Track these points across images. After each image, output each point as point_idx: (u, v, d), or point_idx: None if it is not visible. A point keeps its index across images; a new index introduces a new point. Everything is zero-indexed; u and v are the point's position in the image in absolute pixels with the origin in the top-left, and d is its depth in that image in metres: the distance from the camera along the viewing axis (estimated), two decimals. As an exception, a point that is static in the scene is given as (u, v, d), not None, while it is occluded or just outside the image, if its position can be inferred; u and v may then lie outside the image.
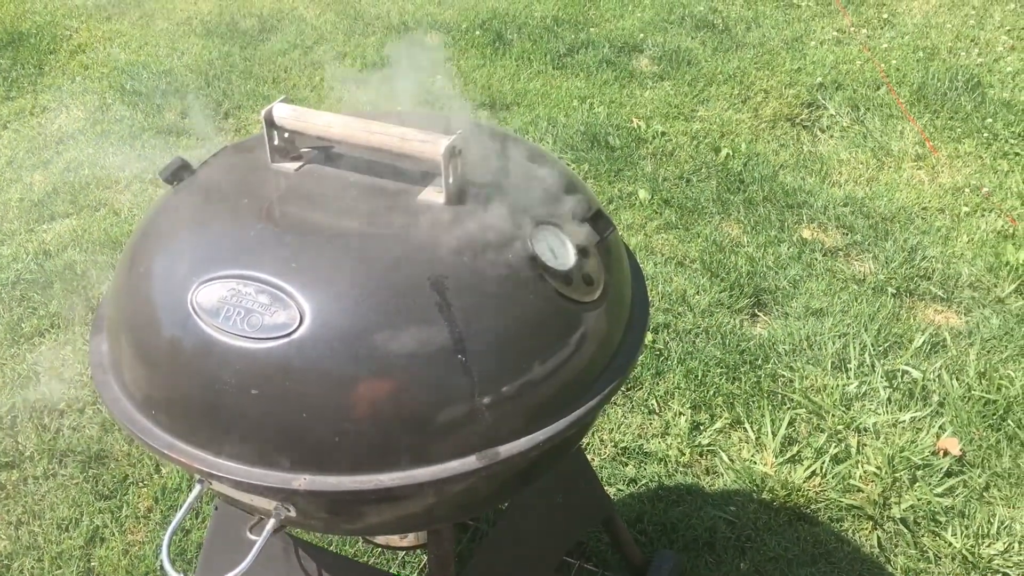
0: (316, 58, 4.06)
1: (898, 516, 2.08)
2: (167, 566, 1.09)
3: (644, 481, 2.16)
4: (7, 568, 1.94)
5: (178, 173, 1.28)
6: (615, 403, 2.35)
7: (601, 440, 2.25)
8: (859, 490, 2.16)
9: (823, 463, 2.21)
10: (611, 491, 2.14)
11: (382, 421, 1.06)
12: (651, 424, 2.31)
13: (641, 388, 2.40)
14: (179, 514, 1.12)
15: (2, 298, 2.69)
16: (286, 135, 1.26)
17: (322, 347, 1.05)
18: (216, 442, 1.09)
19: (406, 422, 1.06)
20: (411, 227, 1.15)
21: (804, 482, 2.17)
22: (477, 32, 4.28)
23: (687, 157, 3.44)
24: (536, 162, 1.31)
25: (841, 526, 2.08)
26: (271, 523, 1.12)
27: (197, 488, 1.14)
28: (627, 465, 2.20)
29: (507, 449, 1.10)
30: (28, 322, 2.61)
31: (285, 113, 1.24)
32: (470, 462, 1.09)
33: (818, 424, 2.32)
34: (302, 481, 1.06)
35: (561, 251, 1.18)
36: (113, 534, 2.01)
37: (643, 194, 3.18)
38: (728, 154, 3.46)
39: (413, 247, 1.12)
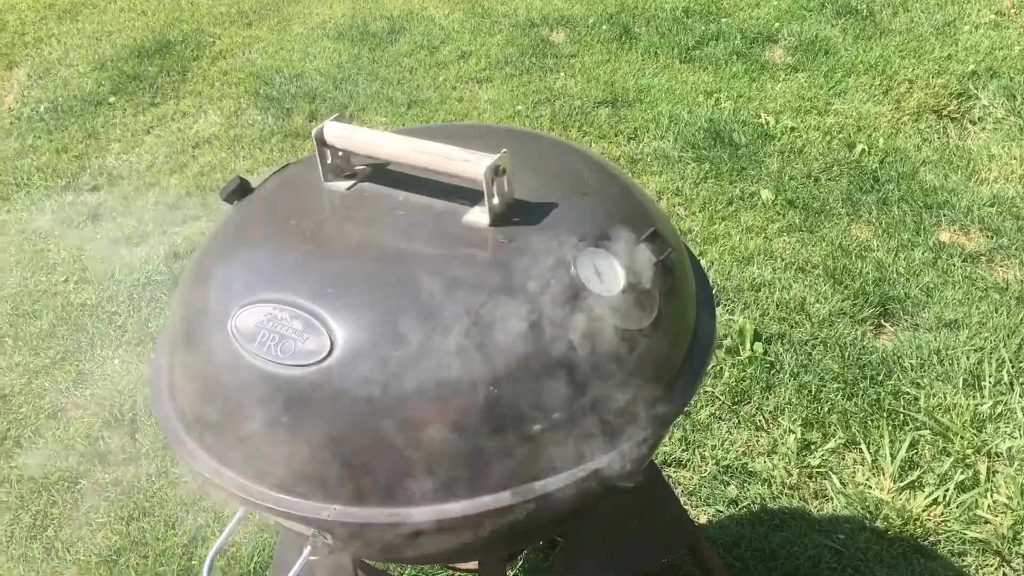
0: (441, 58, 4.08)
1: (1029, 554, 1.90)
2: (206, 585, 1.10)
3: (746, 503, 2.05)
4: (114, 563, 2.04)
5: (237, 192, 1.29)
6: (720, 418, 2.24)
7: (702, 457, 2.16)
8: (986, 522, 1.98)
9: (947, 491, 2.04)
10: (709, 512, 2.04)
11: (409, 455, 1.02)
12: (757, 441, 2.19)
13: (749, 403, 2.28)
14: (223, 535, 1.13)
15: (133, 298, 2.83)
16: (340, 153, 1.25)
17: (350, 376, 1.03)
18: (251, 468, 1.09)
19: (434, 456, 1.03)
20: (449, 253, 1.11)
21: (924, 511, 2.01)
22: (604, 27, 4.20)
23: (817, 154, 3.25)
24: (596, 178, 1.25)
25: (963, 561, 1.91)
26: (307, 550, 1.11)
27: (241, 510, 1.14)
28: (728, 485, 2.10)
29: (543, 485, 1.05)
30: (155, 322, 2.74)
31: (336, 132, 1.22)
32: (503, 498, 1.04)
33: (944, 447, 2.14)
34: (332, 511, 1.05)
35: (609, 275, 1.11)
36: (215, 533, 2.08)
37: (766, 194, 3.03)
38: (863, 150, 3.25)
39: (449, 274, 1.08)
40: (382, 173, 1.26)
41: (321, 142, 1.23)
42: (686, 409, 1.15)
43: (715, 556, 1.69)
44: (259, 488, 1.08)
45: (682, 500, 2.06)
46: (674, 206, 3.03)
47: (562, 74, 3.92)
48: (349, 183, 1.25)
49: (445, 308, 1.05)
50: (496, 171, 1.12)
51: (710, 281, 2.60)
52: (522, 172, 1.21)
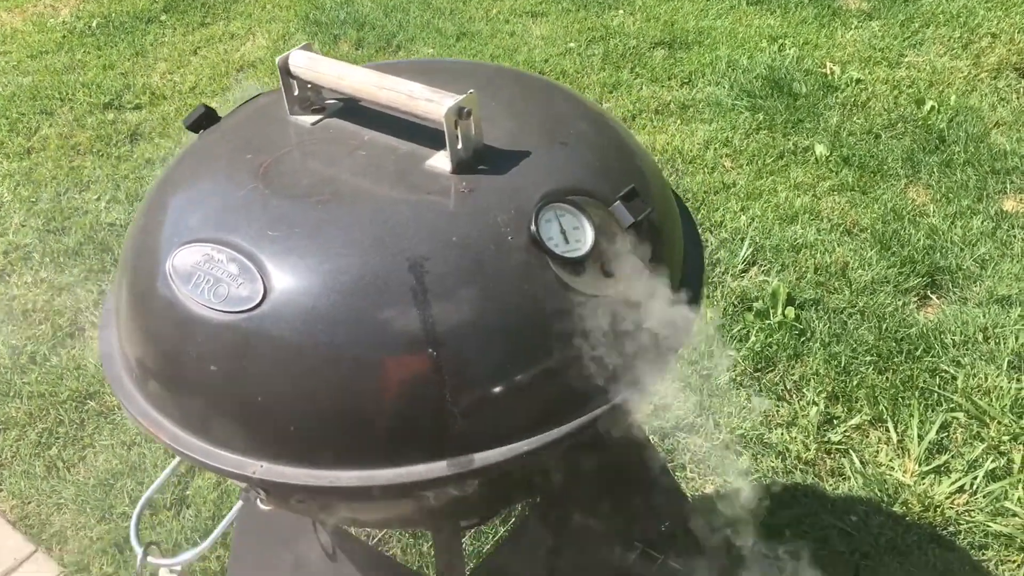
0: (496, -11, 3.94)
1: (1056, 554, 1.77)
2: (133, 541, 1.05)
3: (757, 476, 1.95)
4: (111, 487, 2.04)
5: (201, 121, 1.21)
6: (740, 384, 2.14)
7: (716, 424, 2.06)
8: (1014, 515, 1.84)
9: (975, 478, 1.91)
10: (718, 482, 1.95)
11: (341, 414, 0.95)
12: (778, 412, 2.08)
13: (773, 370, 2.16)
14: (153, 486, 1.08)
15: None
16: (308, 86, 1.16)
17: (282, 327, 0.96)
18: (182, 416, 1.03)
19: (367, 417, 0.95)
20: (405, 199, 1.02)
21: (947, 498, 1.88)
22: (670, -38, 3.99)
23: (881, 109, 3.05)
24: (581, 127, 1.14)
25: (983, 555, 1.79)
26: (238, 505, 1.05)
27: (175, 461, 1.09)
28: (741, 455, 1.99)
29: (484, 458, 0.97)
30: (181, 246, 2.71)
31: (301, 61, 1.13)
32: (439, 468, 0.97)
33: (978, 432, 2.00)
34: (258, 468, 0.98)
35: (577, 234, 1.01)
36: (213, 464, 2.06)
37: (820, 149, 2.86)
38: (933, 107, 3.04)
39: (400, 223, 0.99)
40: (352, 109, 1.17)
41: (286, 72, 1.14)
42: (649, 392, 1.05)
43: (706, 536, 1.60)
44: (189, 438, 1.02)
45: (689, 467, 1.97)
46: (720, 157, 2.88)
47: (621, 11, 3.75)
48: (315, 118, 1.16)
49: (389, 260, 0.96)
50: (460, 113, 1.02)
51: (747, 241, 2.47)
52: (499, 115, 1.12)
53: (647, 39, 3.53)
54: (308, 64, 1.12)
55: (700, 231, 2.51)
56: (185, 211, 1.09)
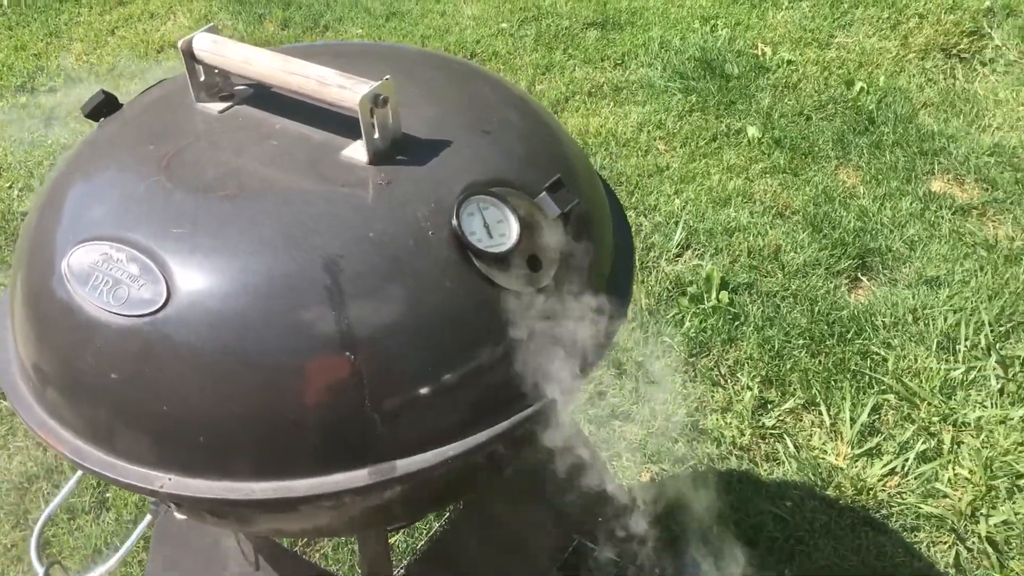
0: (426, -33, 3.85)
1: (985, 533, 1.78)
2: (34, 559, 0.99)
3: (692, 462, 1.94)
4: (25, 490, 1.94)
5: (101, 108, 1.14)
6: (675, 370, 2.12)
7: (652, 411, 2.03)
8: (944, 496, 1.86)
9: (906, 460, 1.92)
10: (653, 470, 1.93)
11: (253, 423, 0.90)
12: (712, 397, 2.07)
13: (708, 355, 2.15)
14: (54, 503, 1.01)
15: (77, 210, 2.69)
16: (216, 71, 1.09)
17: (187, 332, 0.89)
18: (82, 427, 0.96)
19: (282, 425, 0.90)
20: (318, 192, 0.96)
21: (879, 481, 1.89)
22: (602, -58, 3.95)
23: (812, 91, 3.06)
24: (505, 114, 1.09)
25: (915, 536, 1.80)
26: (146, 519, 0.99)
27: (80, 473, 1.03)
28: (677, 442, 1.98)
29: (406, 464, 0.92)
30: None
31: (205, 45, 1.06)
32: (359, 476, 0.92)
33: (908, 413, 2.02)
34: (165, 482, 0.92)
35: (501, 228, 0.97)
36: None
37: (753, 131, 2.85)
38: (862, 88, 3.06)
39: (313, 218, 0.93)
40: (263, 96, 1.10)
41: (190, 56, 1.07)
42: (578, 389, 1.02)
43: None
44: (91, 450, 0.96)
45: (625, 456, 1.95)
46: (654, 140, 2.85)
47: (550, -10, 3.69)
48: (223, 105, 1.10)
49: (302, 258, 0.91)
50: (376, 100, 0.97)
51: (680, 224, 2.45)
52: (419, 102, 1.06)
53: (579, 19, 3.49)
54: (213, 48, 1.06)
55: (634, 215, 2.49)
56: (82, 206, 1.02)
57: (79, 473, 1.09)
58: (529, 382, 0.98)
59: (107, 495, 1.93)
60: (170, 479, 0.93)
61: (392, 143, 1.00)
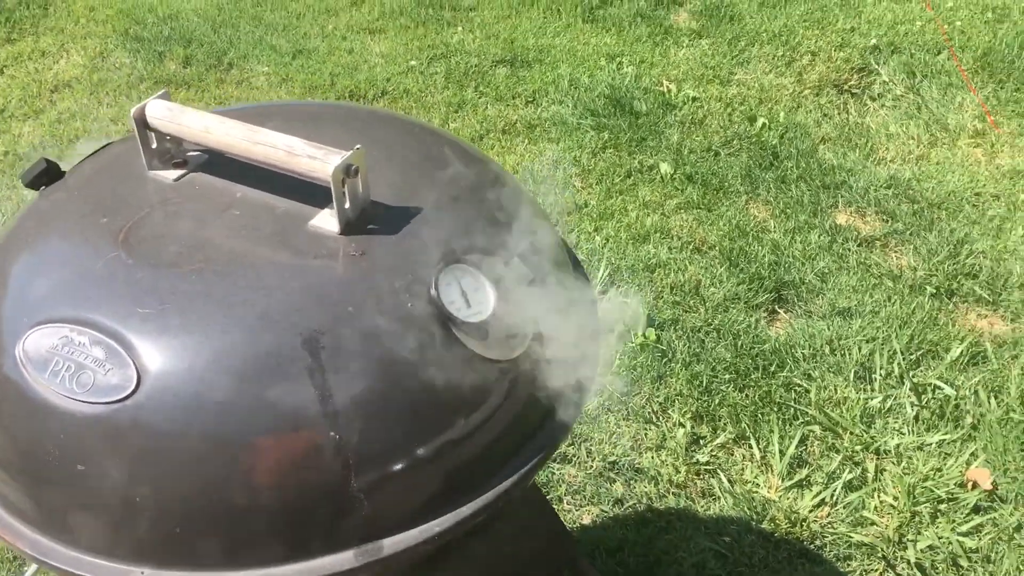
0: (331, 4, 3.82)
1: (913, 559, 1.85)
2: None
3: (632, 502, 1.96)
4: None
5: (42, 177, 1.08)
6: (608, 409, 2.14)
7: (588, 452, 2.05)
8: (872, 524, 1.93)
9: (834, 490, 1.98)
10: (593, 512, 1.94)
11: (234, 511, 0.86)
12: (646, 435, 2.09)
13: (639, 393, 2.18)
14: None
15: (-27, 262, 2.55)
16: (167, 137, 1.06)
17: (161, 418, 0.86)
18: (43, 521, 0.91)
19: (265, 512, 0.87)
20: (290, 265, 0.94)
21: (811, 512, 1.94)
22: (505, -21, 4.00)
23: (718, 127, 3.16)
24: (468, 176, 1.09)
25: (848, 566, 1.86)
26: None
27: (34, 567, 0.97)
28: (615, 482, 1.99)
29: (393, 543, 0.90)
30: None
31: (159, 112, 1.02)
32: (346, 559, 0.89)
33: (833, 444, 2.09)
34: (139, 576, 0.88)
35: (478, 296, 0.96)
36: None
37: (665, 167, 2.92)
38: (764, 124, 3.17)
39: (287, 292, 0.91)
40: (218, 162, 1.07)
41: (142, 124, 1.03)
42: (557, 448, 1.02)
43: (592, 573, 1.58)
44: (54, 546, 0.90)
45: (566, 499, 1.96)
46: (571, 177, 2.89)
47: (460, 28, 3.72)
48: (177, 173, 1.06)
49: (280, 337, 0.88)
50: (348, 171, 0.95)
51: (603, 262, 2.48)
52: (381, 166, 1.05)
53: (488, 57, 3.51)
54: (168, 116, 1.02)
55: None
56: (33, 285, 0.96)
57: (32, 568, 1.03)
58: (512, 448, 0.98)
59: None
60: (143, 573, 0.88)
61: (362, 212, 0.98)
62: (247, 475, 0.86)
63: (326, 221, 0.98)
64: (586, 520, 1.93)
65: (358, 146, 0.96)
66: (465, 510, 0.93)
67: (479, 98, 3.29)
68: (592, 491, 1.97)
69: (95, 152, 1.15)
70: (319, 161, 0.95)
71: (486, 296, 0.96)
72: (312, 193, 1.01)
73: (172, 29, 3.62)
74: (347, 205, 0.96)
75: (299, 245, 0.96)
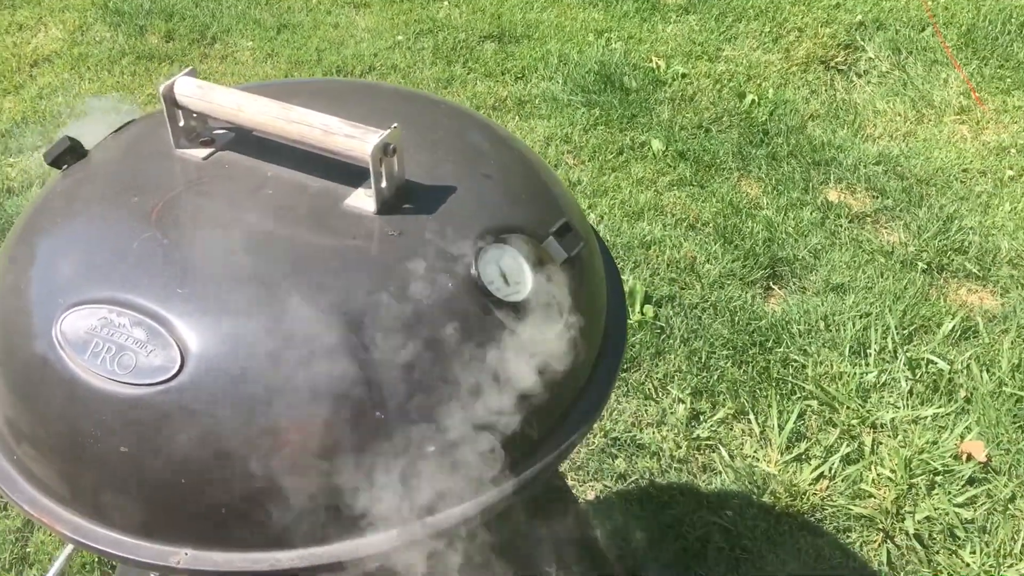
0: (315, -22, 3.77)
1: (911, 530, 1.89)
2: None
3: (635, 478, 1.98)
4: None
5: (65, 157, 1.07)
6: (608, 386, 2.15)
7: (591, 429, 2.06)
8: (870, 496, 1.96)
9: (832, 464, 2.01)
10: (597, 488, 1.95)
11: (278, 492, 0.86)
12: (646, 411, 2.11)
13: (639, 370, 2.20)
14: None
15: (-41, 240, 2.50)
16: (194, 115, 1.04)
17: (207, 399, 0.85)
18: (81, 503, 0.90)
19: (309, 492, 0.87)
20: (328, 246, 0.93)
21: (810, 485, 1.97)
22: (490, -46, 3.96)
23: (708, 103, 3.16)
24: (499, 155, 1.09)
25: (848, 538, 1.89)
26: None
27: (69, 548, 0.96)
28: (617, 458, 2.01)
29: (437, 521, 0.91)
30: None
31: (188, 90, 1.01)
32: (388, 538, 0.89)
33: (830, 418, 2.11)
34: (182, 557, 0.88)
35: (517, 275, 0.96)
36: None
37: (657, 144, 2.92)
38: (753, 101, 3.18)
39: (327, 273, 0.90)
40: (246, 140, 1.06)
41: (171, 102, 1.02)
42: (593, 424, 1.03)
43: (606, 553, 1.60)
44: (92, 526, 0.90)
45: (570, 475, 1.97)
46: (563, 154, 2.89)
47: (446, 2, 3.69)
48: (205, 152, 1.04)
49: (324, 317, 0.87)
50: (386, 150, 0.94)
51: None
52: (412, 145, 1.04)
53: (476, 32, 3.49)
54: (199, 94, 1.00)
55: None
56: (64, 266, 0.95)
57: (67, 550, 1.02)
58: (547, 429, 0.98)
59: (28, 549, 1.81)
60: (187, 554, 0.88)
61: (397, 191, 0.98)
62: (291, 455, 0.86)
63: (361, 200, 0.97)
64: (590, 496, 1.94)
65: (395, 124, 0.95)
66: (507, 487, 0.94)
67: (468, 74, 3.27)
68: (595, 467, 1.98)
69: (117, 130, 1.13)
70: (357, 140, 0.94)
71: (524, 275, 0.96)
72: (345, 172, 1.00)
73: (153, 3, 3.56)
74: (384, 184, 0.96)
75: (335, 225, 0.95)
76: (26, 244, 1.00)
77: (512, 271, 0.96)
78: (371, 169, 0.94)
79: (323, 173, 1.01)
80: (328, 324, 0.87)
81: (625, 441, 2.04)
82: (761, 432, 2.08)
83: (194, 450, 0.85)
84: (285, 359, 0.85)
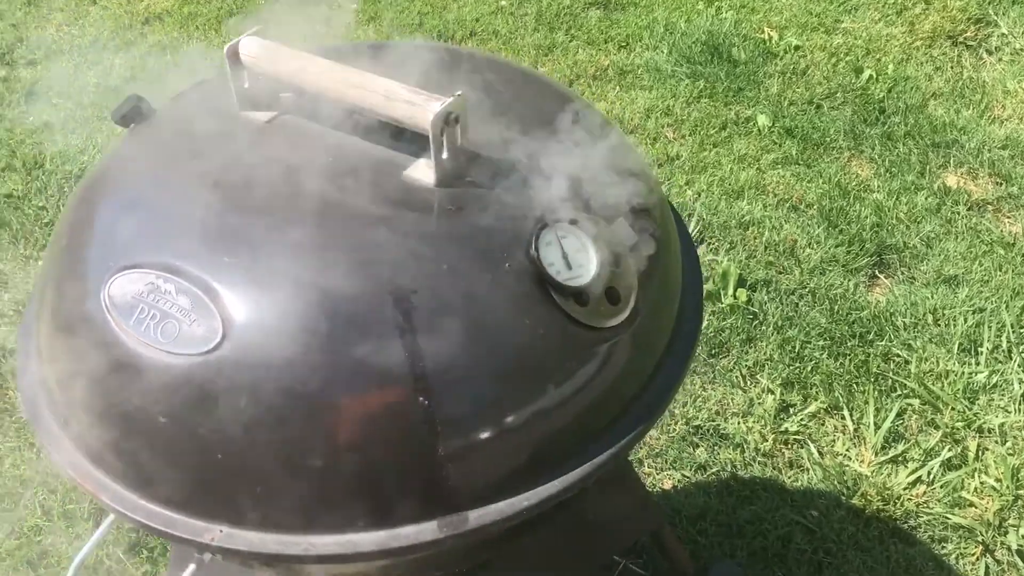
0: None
1: (1015, 545, 1.75)
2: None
3: (715, 469, 1.89)
4: (19, 496, 1.85)
5: (131, 116, 1.05)
6: (694, 371, 2.07)
7: (672, 415, 1.98)
8: (971, 505, 1.83)
9: (931, 468, 1.88)
10: (675, 478, 1.88)
11: (314, 472, 0.83)
12: (733, 400, 2.02)
13: (727, 356, 2.10)
14: (88, 545, 0.94)
15: (64, 192, 2.57)
16: (260, 77, 1.01)
17: (245, 372, 0.82)
18: (123, 472, 0.89)
19: (345, 475, 0.83)
20: (383, 218, 0.89)
21: (905, 489, 1.85)
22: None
23: (821, 78, 3.00)
24: (575, 129, 1.02)
25: (943, 548, 1.77)
26: (191, 567, 0.92)
27: (111, 517, 0.95)
28: (698, 447, 1.93)
29: (480, 516, 0.86)
30: (87, 220, 2.49)
31: (254, 50, 0.97)
32: (429, 529, 0.85)
33: (932, 419, 1.98)
34: (217, 534, 0.85)
35: (580, 258, 0.90)
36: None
37: (763, 120, 2.79)
38: (871, 76, 3.00)
39: (379, 247, 0.86)
40: (311, 103, 1.01)
41: (235, 62, 0.98)
42: (655, 422, 0.96)
43: (677, 542, 1.53)
44: (132, 496, 0.88)
45: (647, 462, 1.90)
46: (662, 127, 2.78)
47: (552, -34, 3.59)
48: (270, 114, 1.01)
49: (371, 293, 0.83)
50: (448, 119, 0.89)
51: (695, 217, 2.39)
52: (481, 114, 0.98)
53: (581, -1, 3.39)
54: (263, 54, 0.97)
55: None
56: (120, 228, 0.93)
57: (109, 519, 1.01)
58: (606, 422, 0.92)
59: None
60: (221, 531, 0.85)
61: (459, 163, 0.92)
62: (329, 436, 0.82)
63: (422, 172, 0.92)
64: (667, 485, 1.87)
65: (459, 92, 0.90)
66: (555, 484, 0.88)
67: (570, 41, 3.18)
68: (674, 455, 1.91)
69: (187, 90, 1.11)
70: (418, 107, 0.89)
71: (588, 258, 0.90)
72: (409, 140, 0.96)
73: (262, -37, 3.58)
74: (445, 155, 0.91)
75: (393, 196, 0.91)
76: (85, 204, 0.98)
77: (575, 254, 0.90)
78: (431, 139, 0.88)
79: (387, 140, 0.97)
80: (375, 302, 0.83)
81: (708, 430, 1.96)
82: (855, 430, 1.96)
83: (231, 424, 0.82)
84: (329, 337, 0.82)
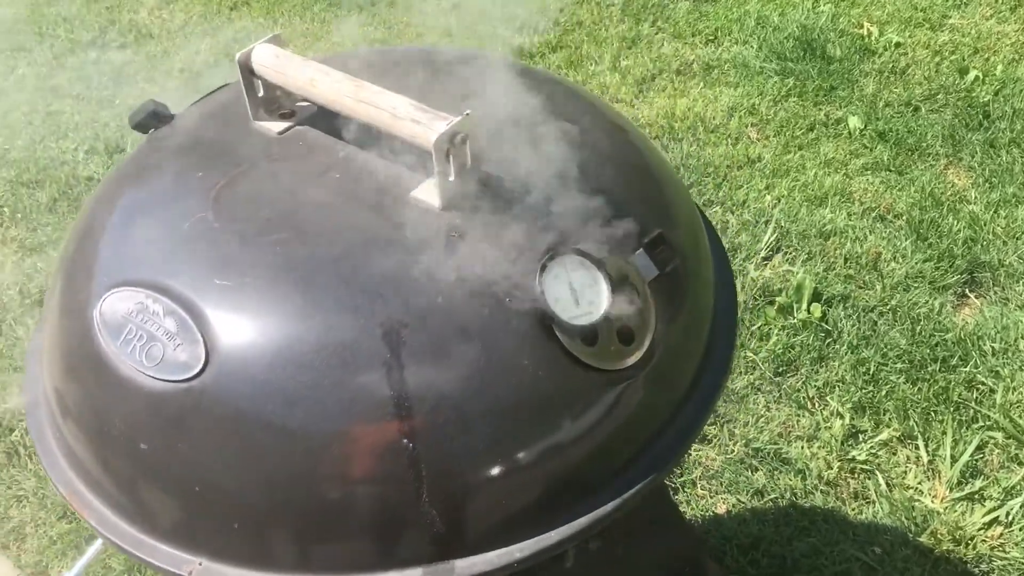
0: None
1: (1098, 602, 1.61)
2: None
3: (773, 495, 1.80)
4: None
5: (150, 121, 1.02)
6: (758, 389, 1.97)
7: (731, 434, 1.89)
8: (1053, 553, 1.69)
9: (1011, 509, 1.75)
10: (729, 502, 1.79)
11: (295, 511, 0.79)
12: (798, 422, 1.91)
13: (795, 375, 1.99)
14: (76, 567, 0.92)
15: (142, 177, 2.61)
16: (275, 87, 0.97)
17: (225, 403, 0.78)
18: (111, 495, 0.86)
19: (326, 516, 0.79)
20: (381, 242, 0.84)
21: (980, 530, 1.72)
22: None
23: (922, 78, 2.83)
24: (592, 145, 0.95)
25: (1018, 598, 1.64)
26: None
27: (99, 542, 0.93)
28: (757, 471, 1.83)
29: (467, 566, 0.80)
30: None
31: (265, 59, 0.94)
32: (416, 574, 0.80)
33: (1016, 454, 1.84)
34: (195, 567, 0.82)
35: (589, 294, 0.83)
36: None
37: (854, 122, 2.64)
38: (977, 77, 2.81)
39: (373, 275, 0.81)
40: (327, 114, 0.97)
41: (248, 71, 0.95)
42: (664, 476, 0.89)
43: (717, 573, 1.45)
44: (117, 521, 0.86)
45: (700, 484, 1.82)
46: (745, 127, 2.66)
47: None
48: (283, 125, 0.97)
49: (360, 325, 0.78)
50: (453, 140, 0.83)
51: (771, 224, 2.27)
52: (500, 133, 0.92)
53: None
54: (273, 64, 0.93)
55: (720, 211, 2.32)
56: (119, 242, 0.91)
57: (98, 543, 1.00)
58: (612, 471, 0.86)
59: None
60: (200, 564, 0.82)
61: (467, 186, 0.87)
62: (310, 475, 0.78)
63: (428, 193, 0.87)
64: (720, 509, 1.78)
65: (468, 111, 0.84)
66: (552, 536, 0.82)
67: (656, 34, 3.08)
68: (730, 478, 1.82)
69: (207, 95, 1.08)
70: (422, 126, 0.83)
71: (599, 294, 0.83)
72: (419, 158, 0.90)
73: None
74: (451, 177, 0.85)
75: (395, 219, 0.86)
76: (94, 214, 0.96)
77: (585, 288, 0.83)
78: (435, 160, 0.83)
79: (399, 157, 0.91)
80: (363, 335, 0.78)
81: (769, 453, 1.86)
82: (929, 462, 1.84)
83: (209, 456, 0.79)
84: (312, 370, 0.77)
